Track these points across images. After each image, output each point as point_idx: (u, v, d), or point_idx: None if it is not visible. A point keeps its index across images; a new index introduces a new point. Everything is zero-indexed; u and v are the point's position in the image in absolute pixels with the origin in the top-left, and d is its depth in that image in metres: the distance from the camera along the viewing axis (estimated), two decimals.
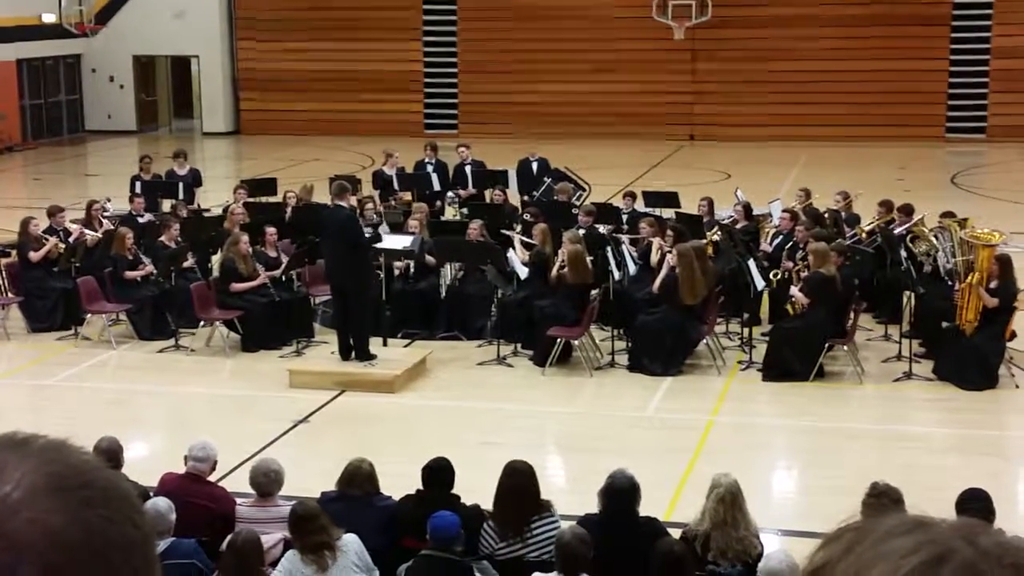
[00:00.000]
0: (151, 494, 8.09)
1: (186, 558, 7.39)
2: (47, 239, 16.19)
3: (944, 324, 13.65)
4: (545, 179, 20.46)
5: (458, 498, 8.18)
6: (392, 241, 14.78)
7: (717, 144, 31.57)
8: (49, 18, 34.48)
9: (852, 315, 13.87)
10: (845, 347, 13.79)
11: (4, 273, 16.06)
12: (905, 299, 14.85)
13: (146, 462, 10.22)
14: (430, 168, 20.65)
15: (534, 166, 20.91)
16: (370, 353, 13.67)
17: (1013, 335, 13.60)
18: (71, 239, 16.55)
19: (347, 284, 13.61)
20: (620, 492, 7.81)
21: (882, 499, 7.25)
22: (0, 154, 32.01)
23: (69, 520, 0.92)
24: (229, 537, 7.45)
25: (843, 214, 17.24)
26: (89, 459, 1.00)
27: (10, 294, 15.98)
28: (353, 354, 13.63)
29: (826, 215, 17.14)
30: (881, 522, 1.00)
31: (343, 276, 13.64)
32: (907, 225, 15.95)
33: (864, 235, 16.27)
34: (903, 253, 14.96)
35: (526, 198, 19.42)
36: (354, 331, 13.69)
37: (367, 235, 13.99)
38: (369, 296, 13.95)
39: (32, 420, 12.06)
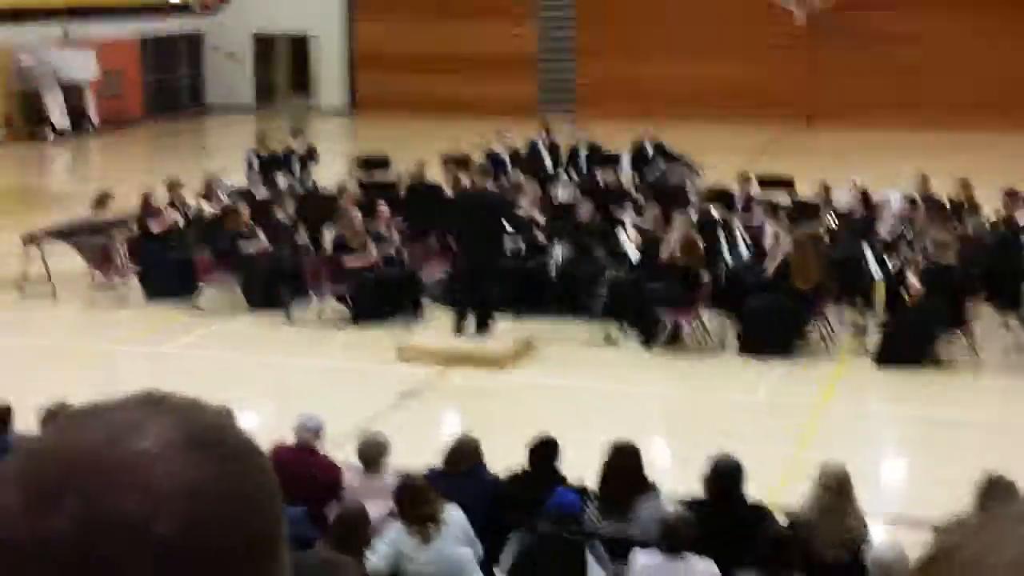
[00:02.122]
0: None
1: (293, 526, 7.47)
2: (166, 211, 16.51)
3: None
4: (660, 162, 20.34)
5: (563, 476, 8.17)
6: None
7: (835, 129, 31.09)
8: None
9: (970, 305, 13.56)
10: (962, 337, 13.49)
11: (124, 245, 16.40)
12: None
13: (256, 432, 10.34)
14: (543, 147, 20.63)
15: (649, 149, 20.78)
16: (489, 326, 13.87)
17: None
18: (189, 212, 16.86)
19: (485, 261, 13.77)
20: (725, 475, 7.73)
21: (995, 490, 7.08)
22: (122, 128, 32.66)
23: (205, 475, 0.94)
24: (336, 507, 7.52)
25: (964, 202, 16.87)
26: (223, 418, 1.01)
27: (129, 265, 16.31)
28: (474, 326, 13.74)
29: (947, 202, 16.81)
30: (1008, 509, 0.95)
31: (483, 253, 13.78)
32: None
33: (988, 224, 15.90)
34: None
35: (638, 181, 19.32)
36: (484, 305, 13.89)
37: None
38: (500, 274, 14.16)
39: (146, 386, 12.28)
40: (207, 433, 0.97)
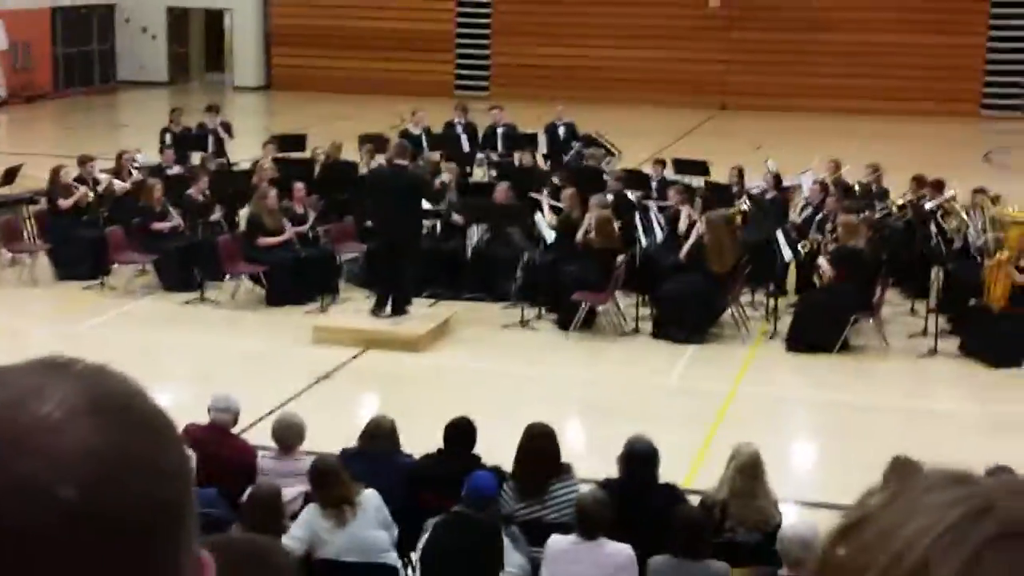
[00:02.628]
0: None
1: (207, 507, 7.42)
2: (77, 187, 16.24)
3: (972, 301, 13.57)
4: (575, 143, 20.41)
5: (479, 458, 8.19)
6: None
7: (748, 114, 31.38)
8: None
9: (879, 289, 13.79)
10: (871, 321, 13.72)
11: (33, 221, 16.12)
12: (933, 275, 14.76)
13: (170, 412, 10.23)
14: (459, 128, 20.61)
15: (561, 130, 20.85)
16: (406, 308, 13.81)
17: None
18: (100, 188, 16.60)
19: (402, 241, 13.68)
20: (640, 457, 7.80)
21: (902, 472, 7.22)
22: (31, 102, 32.07)
23: (108, 441, 0.92)
24: (250, 488, 7.48)
25: (873, 187, 17.14)
26: (129, 384, 1.00)
27: (38, 242, 16.04)
28: (390, 308, 13.70)
29: (856, 187, 17.06)
30: (919, 478, 0.98)
31: (400, 233, 13.69)
32: (938, 200, 15.83)
33: (895, 209, 16.17)
34: (933, 228, 14.86)
35: (553, 163, 19.37)
36: (400, 286, 13.82)
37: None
38: (418, 253, 14.03)
39: None
40: (112, 399, 0.96)
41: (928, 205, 15.73)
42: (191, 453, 7.59)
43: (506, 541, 7.25)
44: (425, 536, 7.28)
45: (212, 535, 2.18)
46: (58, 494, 0.89)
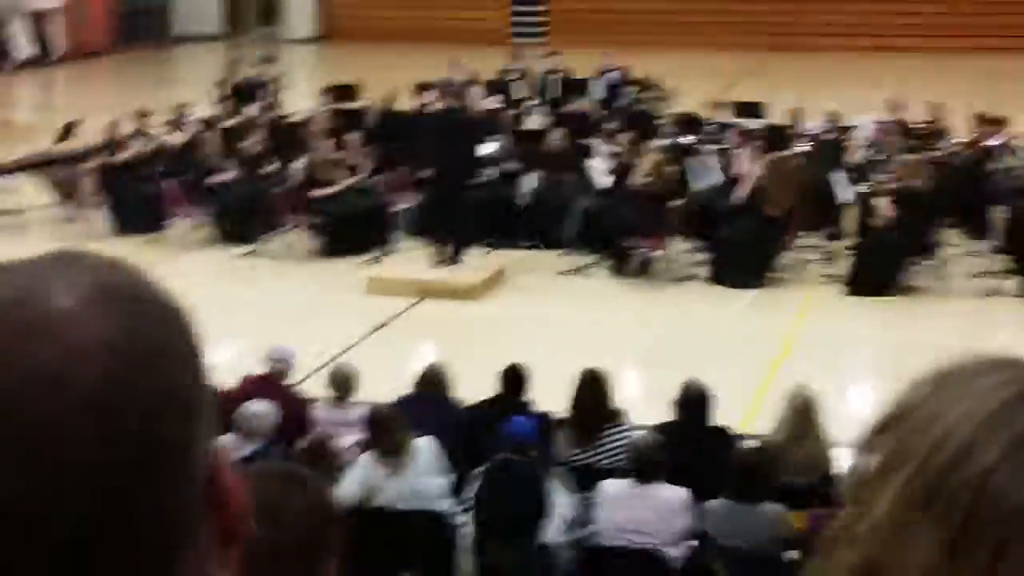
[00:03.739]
0: (232, 395, 8.19)
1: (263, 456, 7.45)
2: (134, 142, 16.32)
3: None
4: (626, 89, 20.23)
5: (530, 404, 8.18)
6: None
7: (806, 55, 30.94)
8: None
9: (940, 229, 13.57)
10: (933, 262, 13.52)
11: (91, 176, 16.24)
12: (997, 214, 14.50)
13: (227, 363, 10.31)
14: (515, 75, 20.49)
15: (613, 75, 20.65)
16: (460, 258, 13.82)
17: None
18: (156, 143, 16.68)
19: (458, 192, 13.64)
20: (694, 401, 7.77)
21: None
22: (88, 58, 32.25)
23: (122, 328, 0.92)
24: (302, 439, 7.52)
25: (934, 126, 16.86)
26: (141, 275, 0.98)
27: (96, 197, 16.15)
28: (448, 260, 13.70)
29: (917, 127, 16.79)
30: (966, 364, 0.97)
31: (457, 183, 13.65)
32: (1002, 139, 15.54)
33: (957, 148, 15.90)
34: (997, 167, 14.58)
35: (608, 109, 19.22)
36: (456, 234, 13.82)
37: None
38: (473, 201, 14.04)
39: None
40: (122, 289, 0.95)
41: (991, 143, 15.45)
42: (270, 408, 7.62)
43: (554, 485, 7.23)
44: (476, 484, 7.28)
45: None
46: (73, 384, 0.88)
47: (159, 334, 0.94)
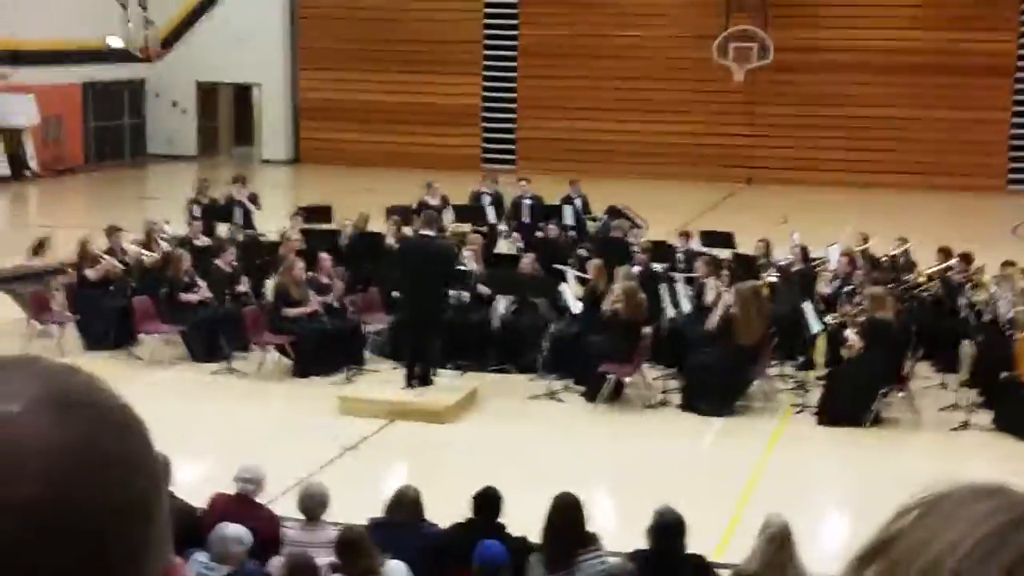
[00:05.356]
0: (198, 514, 8.09)
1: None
2: (105, 258, 16.32)
3: (1003, 375, 13.44)
4: (600, 217, 20.43)
5: (505, 528, 8.11)
6: None
7: (774, 188, 31.40)
8: (115, 43, 34.86)
9: (909, 362, 13.68)
10: (901, 394, 13.60)
11: (61, 292, 16.20)
12: (964, 348, 14.64)
13: (196, 483, 10.20)
14: (487, 200, 20.68)
15: (577, 203, 20.84)
16: (431, 380, 13.84)
17: None
18: (128, 260, 16.68)
19: (427, 312, 13.71)
20: (668, 528, 7.72)
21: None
22: (62, 175, 32.36)
23: (71, 435, 0.91)
24: (284, 559, 7.43)
25: (901, 259, 17.09)
26: (96, 382, 0.99)
27: (66, 312, 16.10)
28: (417, 381, 13.70)
29: (884, 260, 17.01)
30: (953, 491, 0.94)
31: (425, 304, 13.71)
32: (967, 273, 15.76)
33: (923, 281, 16.10)
34: (962, 301, 14.76)
35: (575, 234, 19.40)
36: (426, 358, 13.89)
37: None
38: (443, 325, 14.07)
39: None
40: (76, 394, 0.95)
41: (956, 277, 15.66)
42: (245, 534, 7.53)
43: None
44: None
45: None
46: (20, 488, 0.87)
47: (109, 441, 0.93)
